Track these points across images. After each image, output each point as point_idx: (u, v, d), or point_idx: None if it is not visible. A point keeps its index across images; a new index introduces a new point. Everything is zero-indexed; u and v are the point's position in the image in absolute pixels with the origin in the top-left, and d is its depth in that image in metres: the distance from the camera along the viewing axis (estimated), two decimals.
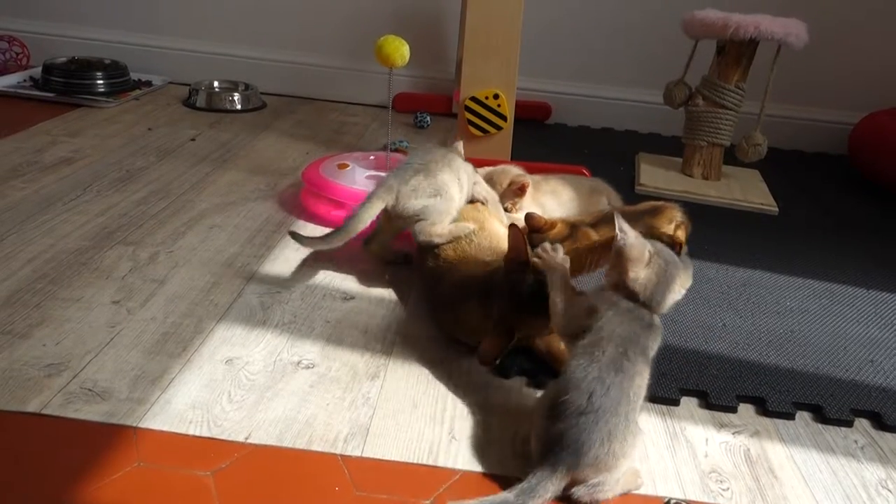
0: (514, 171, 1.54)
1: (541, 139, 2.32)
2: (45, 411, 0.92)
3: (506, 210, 1.50)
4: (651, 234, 1.26)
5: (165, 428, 0.92)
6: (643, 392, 0.91)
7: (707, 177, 2.00)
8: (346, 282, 1.32)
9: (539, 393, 1.04)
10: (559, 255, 1.01)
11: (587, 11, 2.46)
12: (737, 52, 1.87)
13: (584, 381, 0.86)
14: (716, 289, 1.41)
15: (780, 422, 1.06)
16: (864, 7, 2.37)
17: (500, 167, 1.56)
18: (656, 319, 0.94)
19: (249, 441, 0.91)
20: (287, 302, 1.24)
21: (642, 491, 0.90)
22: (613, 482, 0.85)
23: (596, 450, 0.83)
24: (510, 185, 1.50)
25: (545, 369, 1.09)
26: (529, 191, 1.52)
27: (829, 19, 2.33)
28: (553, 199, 1.57)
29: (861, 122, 2.24)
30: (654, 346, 0.92)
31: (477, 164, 1.61)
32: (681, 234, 1.53)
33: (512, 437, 0.96)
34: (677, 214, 1.52)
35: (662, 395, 1.07)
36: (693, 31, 1.92)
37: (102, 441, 0.89)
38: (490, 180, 1.52)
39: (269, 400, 0.99)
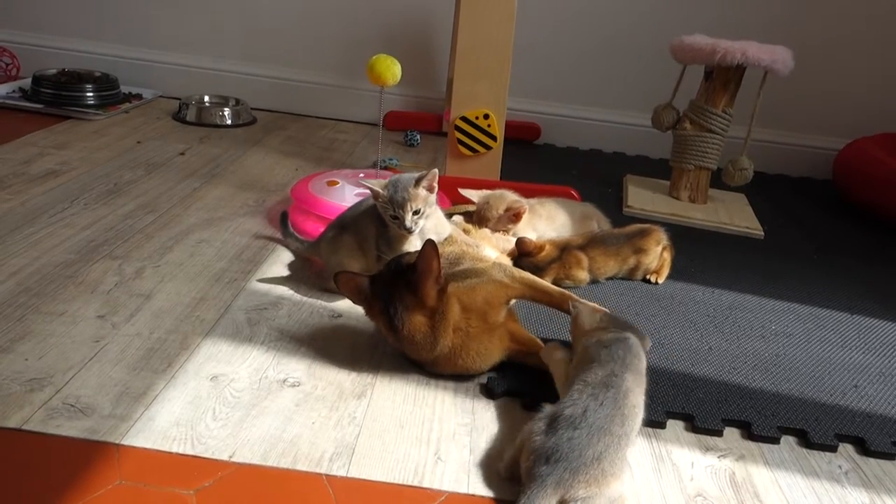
0: (511, 196, 1.54)
1: (530, 159, 2.33)
2: (26, 427, 0.91)
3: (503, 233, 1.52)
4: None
5: (148, 445, 0.91)
6: (639, 415, 0.95)
7: (694, 200, 2.02)
8: (334, 299, 1.31)
9: (528, 414, 1.04)
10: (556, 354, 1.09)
11: (578, 34, 2.48)
12: (724, 78, 1.90)
13: (580, 399, 0.92)
14: (702, 312, 1.42)
15: (765, 446, 1.06)
16: (849, 36, 2.42)
17: (497, 192, 1.56)
18: (625, 334, 1.04)
19: (233, 460, 0.90)
20: (274, 319, 1.23)
21: None
22: (605, 501, 0.85)
23: (587, 466, 0.85)
24: (506, 210, 1.51)
25: (533, 389, 1.09)
26: (525, 215, 1.53)
27: (816, 47, 2.37)
28: (548, 224, 1.59)
29: (845, 149, 2.28)
30: (632, 355, 1.01)
31: (466, 184, 1.62)
32: (667, 255, 1.56)
33: (498, 460, 0.96)
34: (663, 237, 1.55)
35: (649, 418, 1.06)
36: (681, 57, 1.95)
37: (84, 458, 0.87)
38: (486, 204, 1.53)
39: (254, 418, 0.98)
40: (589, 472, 0.85)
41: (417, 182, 1.26)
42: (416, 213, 1.25)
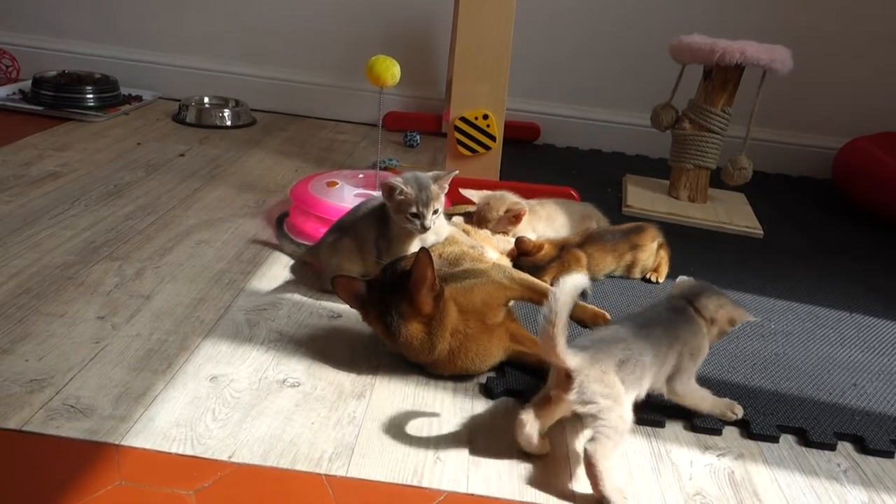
0: (512, 198, 1.55)
1: (529, 160, 2.33)
2: (26, 428, 0.91)
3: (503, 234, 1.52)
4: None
5: (148, 446, 0.91)
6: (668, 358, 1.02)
7: (693, 199, 2.02)
8: (333, 300, 1.32)
9: None
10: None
11: (577, 34, 2.48)
12: (723, 77, 1.90)
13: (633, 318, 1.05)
14: None
15: (764, 444, 1.06)
16: (848, 35, 2.42)
17: (498, 193, 1.56)
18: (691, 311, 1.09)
19: (233, 460, 0.91)
20: (273, 319, 1.24)
21: None
22: (616, 418, 0.90)
23: (609, 361, 0.94)
24: (506, 212, 1.51)
25: (533, 389, 1.09)
26: (526, 216, 1.53)
27: (815, 46, 2.37)
28: (548, 225, 1.59)
29: (844, 148, 2.28)
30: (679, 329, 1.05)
31: (466, 184, 1.62)
32: (664, 253, 1.57)
33: (496, 458, 0.96)
34: (658, 233, 1.56)
35: (648, 417, 1.07)
36: (680, 56, 1.95)
37: (84, 459, 0.88)
38: (486, 205, 1.53)
39: (253, 418, 0.99)
40: (608, 370, 0.92)
41: (436, 181, 1.28)
42: (434, 212, 1.27)
